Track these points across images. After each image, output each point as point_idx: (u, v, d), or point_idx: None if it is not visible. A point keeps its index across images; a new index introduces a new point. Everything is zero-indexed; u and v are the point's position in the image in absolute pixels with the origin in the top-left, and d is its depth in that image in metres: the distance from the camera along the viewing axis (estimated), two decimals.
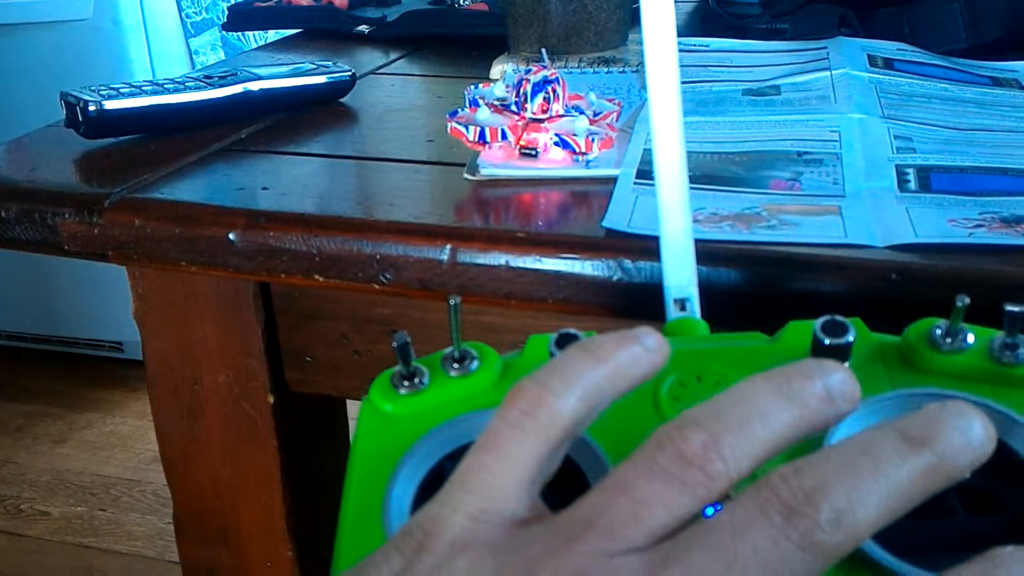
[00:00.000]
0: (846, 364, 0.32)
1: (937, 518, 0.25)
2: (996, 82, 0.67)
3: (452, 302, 0.32)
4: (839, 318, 0.32)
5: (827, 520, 0.22)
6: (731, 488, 0.24)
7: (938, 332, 0.33)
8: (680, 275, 0.38)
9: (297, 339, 0.57)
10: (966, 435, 0.24)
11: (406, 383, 0.33)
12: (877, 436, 0.24)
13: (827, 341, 0.32)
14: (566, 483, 0.27)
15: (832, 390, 0.25)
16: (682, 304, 0.38)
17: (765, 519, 0.22)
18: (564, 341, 0.32)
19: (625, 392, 0.28)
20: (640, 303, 0.45)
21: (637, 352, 0.27)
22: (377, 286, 0.49)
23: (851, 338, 0.32)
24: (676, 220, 0.38)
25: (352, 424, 0.69)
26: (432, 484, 0.28)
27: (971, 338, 0.33)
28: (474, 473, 0.26)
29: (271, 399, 0.58)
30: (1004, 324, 0.32)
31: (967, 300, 0.31)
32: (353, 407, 0.68)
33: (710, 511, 0.26)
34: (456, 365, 0.33)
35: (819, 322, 0.32)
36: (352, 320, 0.56)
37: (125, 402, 2.07)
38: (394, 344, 0.32)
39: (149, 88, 0.62)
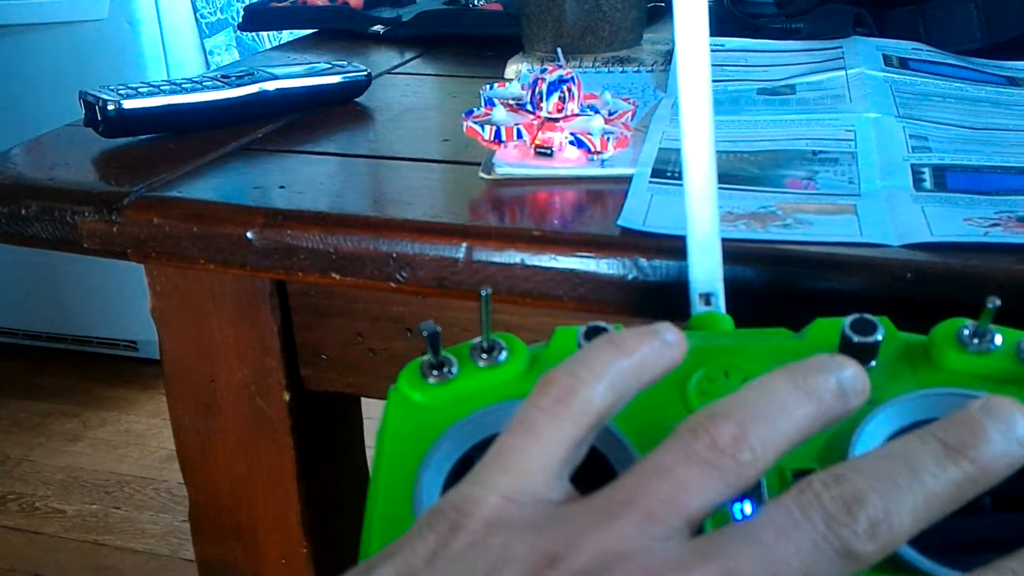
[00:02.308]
0: (871, 362, 0.33)
1: (968, 517, 0.25)
2: (1012, 81, 0.67)
3: (483, 293, 0.32)
4: (868, 316, 0.32)
5: (864, 529, 0.23)
6: (759, 478, 0.25)
7: (966, 333, 0.33)
8: (706, 269, 0.38)
9: (312, 337, 0.58)
10: (1008, 438, 0.24)
11: (435, 372, 0.33)
12: (917, 444, 0.25)
13: (856, 339, 0.32)
14: (595, 476, 0.27)
15: (844, 385, 0.26)
16: (707, 299, 0.38)
17: (808, 523, 0.23)
18: (592, 333, 0.32)
19: (648, 384, 0.28)
20: (655, 301, 0.45)
21: (658, 346, 0.28)
22: (393, 284, 0.49)
23: (880, 337, 0.32)
24: (703, 213, 0.38)
25: (367, 422, 0.69)
26: (460, 473, 0.28)
27: (999, 339, 0.33)
28: (508, 455, 0.26)
29: (287, 396, 0.59)
30: None
31: (998, 302, 0.31)
32: (368, 405, 0.68)
33: (737, 507, 0.26)
34: (485, 355, 0.33)
35: (848, 320, 0.32)
36: (367, 318, 0.56)
37: (139, 401, 2.08)
38: (424, 333, 0.32)
39: (167, 88, 0.63)
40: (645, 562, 0.23)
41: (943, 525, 0.24)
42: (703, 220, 0.38)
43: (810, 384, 0.26)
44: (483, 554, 0.24)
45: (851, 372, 0.26)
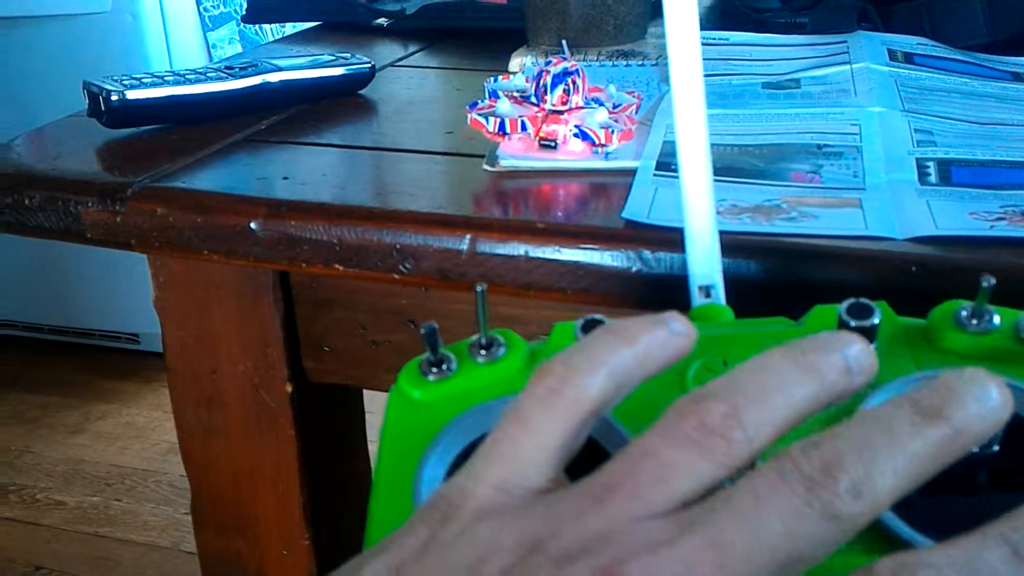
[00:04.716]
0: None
1: (966, 496, 0.25)
2: (1017, 77, 0.67)
3: (479, 289, 0.32)
4: (865, 301, 0.32)
5: (845, 490, 0.23)
6: (753, 458, 0.24)
7: (964, 313, 0.33)
8: (704, 262, 0.38)
9: (315, 329, 0.57)
10: (982, 402, 0.24)
11: (434, 370, 0.33)
12: (891, 409, 0.24)
13: (853, 324, 0.32)
14: (593, 468, 0.27)
15: (850, 362, 0.25)
16: (707, 291, 0.38)
17: (787, 487, 0.23)
18: (589, 326, 0.32)
19: (652, 375, 0.28)
20: (659, 294, 0.45)
21: (664, 335, 0.28)
22: (397, 276, 0.49)
23: (876, 320, 0.32)
24: (700, 206, 0.38)
25: (369, 416, 0.69)
26: (459, 468, 0.28)
27: (997, 319, 0.33)
28: (500, 445, 0.26)
29: (289, 388, 0.59)
30: None
31: (992, 281, 0.31)
32: (370, 397, 0.68)
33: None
34: (483, 352, 0.33)
35: (844, 305, 0.32)
36: (370, 310, 0.56)
37: (141, 393, 2.08)
38: (422, 331, 0.32)
39: (171, 79, 0.63)
40: (628, 541, 0.23)
41: (944, 505, 0.24)
42: (700, 213, 0.38)
43: (810, 361, 0.25)
44: (471, 544, 0.24)
45: (857, 348, 0.25)
